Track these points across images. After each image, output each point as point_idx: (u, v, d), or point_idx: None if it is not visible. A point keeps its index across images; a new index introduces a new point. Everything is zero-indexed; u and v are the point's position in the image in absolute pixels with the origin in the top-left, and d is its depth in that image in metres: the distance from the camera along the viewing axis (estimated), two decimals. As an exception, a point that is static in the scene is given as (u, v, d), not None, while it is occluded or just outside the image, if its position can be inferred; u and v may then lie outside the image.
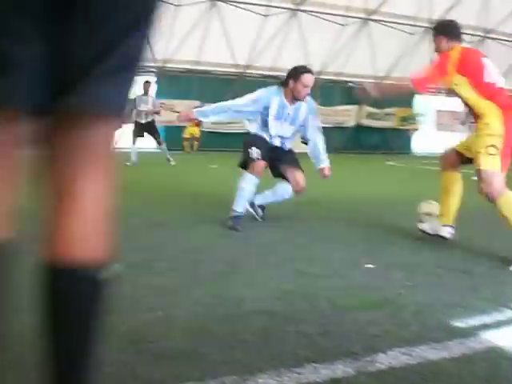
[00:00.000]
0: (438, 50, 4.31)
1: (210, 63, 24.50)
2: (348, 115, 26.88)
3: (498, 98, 4.00)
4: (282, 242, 4.23)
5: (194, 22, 22.92)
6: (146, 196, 6.78)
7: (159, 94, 24.98)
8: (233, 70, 24.86)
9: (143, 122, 12.54)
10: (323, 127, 5.52)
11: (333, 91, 26.41)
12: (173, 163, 12.53)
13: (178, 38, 23.18)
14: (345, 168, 15.90)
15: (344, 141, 26.57)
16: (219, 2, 22.99)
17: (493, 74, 4.14)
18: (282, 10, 23.73)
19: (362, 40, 25.21)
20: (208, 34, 23.29)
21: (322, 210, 6.17)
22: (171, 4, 21.47)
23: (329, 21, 24.19)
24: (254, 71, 24.87)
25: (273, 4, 23.47)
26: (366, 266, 3.54)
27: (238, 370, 1.95)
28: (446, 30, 4.32)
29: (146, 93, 12.75)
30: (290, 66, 5.36)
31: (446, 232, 4.26)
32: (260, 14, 23.38)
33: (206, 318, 2.48)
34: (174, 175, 10.24)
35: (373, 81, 26.81)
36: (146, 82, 13.10)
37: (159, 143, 13.04)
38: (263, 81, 23.68)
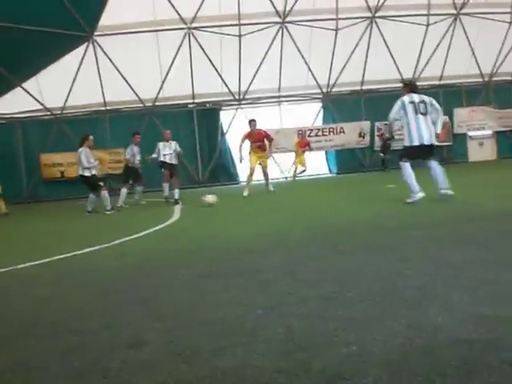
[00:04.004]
0: None
1: (374, 81, 24.29)
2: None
3: None
4: (470, 263, 3.95)
5: (355, 42, 22.99)
6: (326, 224, 6.82)
7: (327, 119, 25.25)
8: (398, 85, 24.27)
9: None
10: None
11: (509, 93, 24.69)
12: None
13: (340, 62, 23.34)
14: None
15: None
16: (378, 19, 22.80)
17: None
18: (444, 16, 22.90)
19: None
20: (369, 52, 23.19)
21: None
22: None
23: (494, 20, 22.85)
24: (423, 82, 24.08)
25: (433, 12, 22.79)
26: None
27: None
28: None
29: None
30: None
31: None
32: (421, 24, 22.78)
33: (404, 350, 2.38)
34: (352, 198, 10.14)
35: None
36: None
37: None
38: (434, 92, 22.93)
